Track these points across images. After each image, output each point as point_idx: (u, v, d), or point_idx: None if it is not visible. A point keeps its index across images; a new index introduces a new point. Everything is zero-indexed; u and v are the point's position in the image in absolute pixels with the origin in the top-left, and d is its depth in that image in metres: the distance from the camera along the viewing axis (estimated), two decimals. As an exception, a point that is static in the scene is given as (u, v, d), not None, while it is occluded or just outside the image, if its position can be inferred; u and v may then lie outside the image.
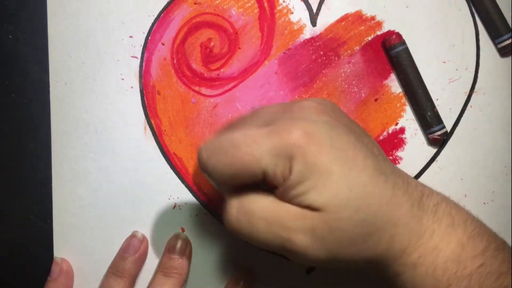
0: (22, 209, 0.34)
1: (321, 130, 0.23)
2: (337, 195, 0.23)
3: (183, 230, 0.34)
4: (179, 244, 0.33)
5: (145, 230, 0.34)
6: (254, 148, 0.23)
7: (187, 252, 0.33)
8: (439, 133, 0.35)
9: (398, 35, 0.35)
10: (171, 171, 0.34)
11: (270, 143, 0.23)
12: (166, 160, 0.34)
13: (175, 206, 0.34)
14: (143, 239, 0.33)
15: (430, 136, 0.35)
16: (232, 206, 0.25)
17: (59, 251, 0.34)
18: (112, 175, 0.34)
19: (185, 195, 0.34)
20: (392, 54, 0.35)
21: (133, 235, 0.33)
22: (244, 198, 0.24)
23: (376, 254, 0.24)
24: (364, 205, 0.23)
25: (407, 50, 0.35)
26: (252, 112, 0.28)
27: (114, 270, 0.32)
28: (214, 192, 0.34)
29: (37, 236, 0.34)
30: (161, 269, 0.33)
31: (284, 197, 0.24)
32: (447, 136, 0.35)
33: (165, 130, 0.34)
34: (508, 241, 0.36)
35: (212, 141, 0.25)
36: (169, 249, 0.33)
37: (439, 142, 0.35)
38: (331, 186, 0.23)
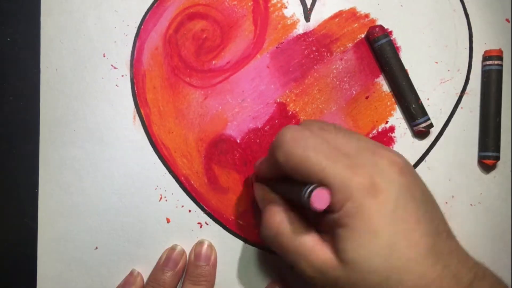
0: (8, 194, 0.34)
1: (393, 192, 0.23)
2: (371, 258, 0.22)
3: (168, 220, 0.34)
4: (204, 250, 0.33)
5: (130, 219, 0.34)
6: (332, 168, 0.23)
7: (212, 258, 0.33)
8: (424, 125, 0.34)
9: (382, 28, 0.35)
10: (158, 161, 0.34)
11: (345, 173, 0.23)
12: (154, 150, 0.34)
13: (161, 198, 0.34)
14: (183, 253, 0.33)
15: (415, 128, 0.35)
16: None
17: (43, 236, 0.33)
18: (99, 163, 0.34)
19: (171, 186, 0.34)
20: (375, 46, 0.35)
21: (172, 248, 0.33)
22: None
23: None
24: (396, 279, 0.22)
25: (390, 42, 0.35)
26: (344, 132, 0.27)
27: (154, 283, 0.32)
28: (200, 183, 0.34)
29: (22, 221, 0.33)
30: (189, 278, 0.32)
31: (324, 224, 0.24)
32: (432, 127, 0.35)
33: (154, 120, 0.34)
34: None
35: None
36: (195, 257, 0.33)
37: (424, 134, 0.35)
38: (371, 247, 0.22)
